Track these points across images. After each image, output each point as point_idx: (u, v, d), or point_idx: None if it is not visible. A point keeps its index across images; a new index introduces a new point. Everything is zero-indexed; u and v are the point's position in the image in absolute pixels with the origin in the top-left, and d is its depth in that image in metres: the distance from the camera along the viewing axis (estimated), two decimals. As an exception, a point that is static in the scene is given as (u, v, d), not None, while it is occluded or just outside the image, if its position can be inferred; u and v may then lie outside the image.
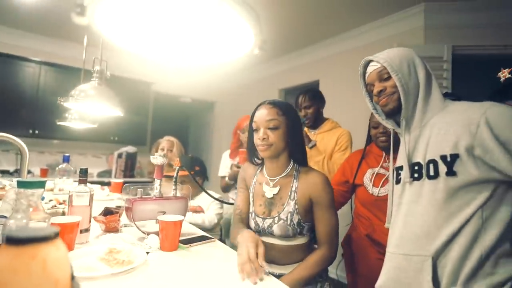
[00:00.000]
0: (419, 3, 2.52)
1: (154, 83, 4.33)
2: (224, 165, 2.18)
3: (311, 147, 1.72)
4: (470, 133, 0.75)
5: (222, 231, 1.89)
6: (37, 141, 3.60)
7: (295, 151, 1.11)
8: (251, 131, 1.12)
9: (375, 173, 1.46)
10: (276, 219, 1.07)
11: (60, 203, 1.47)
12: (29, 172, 3.32)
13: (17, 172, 3.24)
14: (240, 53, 0.68)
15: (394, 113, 0.92)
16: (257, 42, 0.53)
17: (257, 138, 1.06)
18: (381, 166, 1.46)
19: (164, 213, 1.14)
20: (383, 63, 0.87)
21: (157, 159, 1.16)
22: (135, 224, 1.10)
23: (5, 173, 3.13)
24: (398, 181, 0.92)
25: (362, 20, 2.91)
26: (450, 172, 0.77)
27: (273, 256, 1.09)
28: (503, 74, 1.25)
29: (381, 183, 1.43)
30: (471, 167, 0.75)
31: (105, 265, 0.82)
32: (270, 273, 1.03)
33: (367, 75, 0.95)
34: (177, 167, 1.22)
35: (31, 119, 3.38)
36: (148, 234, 1.08)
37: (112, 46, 0.96)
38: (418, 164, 0.85)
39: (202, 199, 1.76)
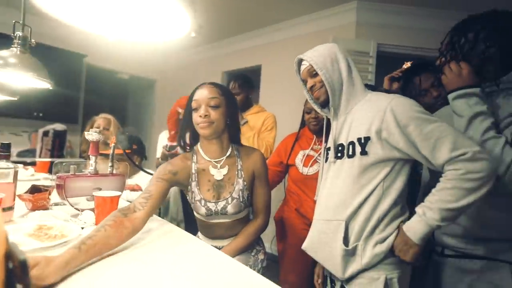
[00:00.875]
0: (352, 1, 2.75)
1: (87, 55, 3.97)
2: (160, 146, 2.22)
3: (243, 124, 1.91)
4: (379, 119, 0.90)
5: (160, 210, 1.90)
6: None
7: (234, 132, 1.18)
8: (189, 111, 1.11)
9: (306, 154, 1.63)
10: (230, 199, 1.11)
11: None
12: None
13: None
14: (176, 34, 0.71)
15: (326, 104, 1.05)
16: (193, 26, 0.57)
17: (198, 116, 1.06)
18: (311, 148, 1.64)
19: (100, 189, 1.12)
20: (310, 61, 1.01)
21: (92, 135, 1.13)
22: (68, 201, 1.07)
23: None
24: (326, 160, 1.08)
25: (301, 11, 3.05)
26: (363, 152, 0.93)
27: (220, 233, 1.16)
28: (406, 66, 1.47)
29: (310, 164, 1.61)
30: (378, 148, 0.91)
31: (35, 240, 0.81)
32: (218, 247, 1.11)
33: (301, 72, 1.09)
34: (113, 144, 1.20)
35: None
36: (82, 211, 1.06)
37: (36, 9, 0.89)
38: (341, 145, 1.00)
39: (140, 178, 1.74)
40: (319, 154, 1.60)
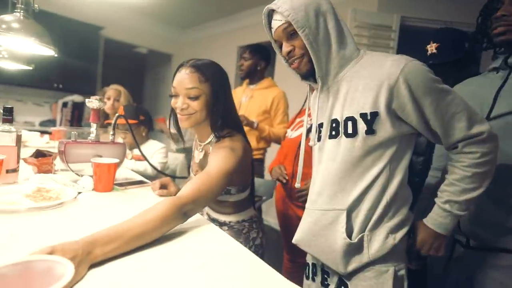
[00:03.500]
0: (376, -31, 2.55)
1: (105, 27, 3.98)
2: None
3: (256, 128, 1.85)
4: (388, 89, 0.74)
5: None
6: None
7: (216, 122, 1.01)
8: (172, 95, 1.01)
9: (299, 120, 1.57)
10: None
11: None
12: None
13: None
14: None
15: (309, 75, 0.85)
16: None
17: (177, 107, 0.97)
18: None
19: (101, 156, 1.14)
20: (288, 18, 0.76)
21: (92, 102, 1.14)
22: (69, 167, 1.10)
23: None
24: (318, 138, 0.90)
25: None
26: (370, 131, 0.76)
27: (209, 205, 1.18)
28: (431, 48, 1.30)
29: (295, 127, 1.54)
30: (388, 124, 0.76)
31: (31, 200, 0.83)
32: (213, 218, 1.17)
33: (273, 30, 0.84)
34: (117, 114, 1.20)
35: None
36: (82, 176, 1.09)
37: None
38: (335, 121, 0.82)
39: (146, 148, 1.77)
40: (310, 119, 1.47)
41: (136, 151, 1.73)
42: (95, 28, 3.88)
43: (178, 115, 0.99)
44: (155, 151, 1.76)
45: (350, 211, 0.81)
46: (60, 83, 3.63)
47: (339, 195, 0.82)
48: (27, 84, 3.42)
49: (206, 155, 1.08)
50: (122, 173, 1.42)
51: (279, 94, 1.97)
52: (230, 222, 1.18)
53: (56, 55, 1.30)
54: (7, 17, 1.12)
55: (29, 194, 0.87)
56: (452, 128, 0.74)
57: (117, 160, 1.07)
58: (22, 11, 1.16)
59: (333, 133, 0.83)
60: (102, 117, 2.13)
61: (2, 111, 1.01)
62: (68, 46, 3.41)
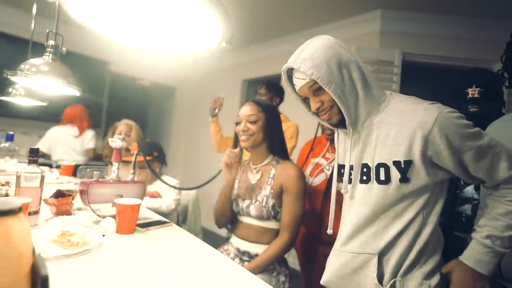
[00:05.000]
0: (376, 9, 2.70)
1: (111, 62, 4.09)
2: None
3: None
4: (422, 138, 0.74)
5: (179, 217, 1.90)
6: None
7: (274, 143, 1.27)
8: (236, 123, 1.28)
9: (315, 163, 1.53)
10: (254, 200, 1.22)
11: (3, 185, 1.37)
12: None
13: None
14: (207, 44, 0.70)
15: (340, 123, 0.87)
16: (224, 36, 0.56)
17: (239, 130, 1.24)
18: (322, 156, 1.52)
19: (122, 196, 1.13)
20: (311, 75, 0.77)
21: (115, 142, 1.14)
22: (90, 207, 1.08)
23: None
24: (350, 181, 0.89)
25: (323, 19, 3.02)
26: (404, 179, 0.76)
27: (247, 234, 1.24)
28: (472, 92, 1.20)
29: (315, 173, 1.50)
30: (423, 172, 0.76)
31: (58, 247, 0.81)
32: (244, 251, 1.22)
33: (296, 87, 0.86)
34: (135, 152, 1.20)
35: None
36: (104, 217, 1.06)
37: (65, 18, 0.92)
38: (366, 166, 0.83)
39: (160, 185, 1.75)
40: (329, 163, 1.48)
41: (150, 188, 1.71)
42: (103, 63, 3.98)
43: (240, 137, 1.24)
44: (169, 187, 1.74)
45: (382, 256, 0.81)
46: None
47: (370, 239, 0.83)
48: (34, 117, 3.44)
49: (263, 176, 1.26)
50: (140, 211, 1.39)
51: (291, 125, 2.02)
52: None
53: (78, 95, 1.33)
54: (36, 61, 1.16)
55: (55, 239, 0.85)
56: (494, 170, 0.75)
57: (140, 201, 1.05)
58: (50, 54, 1.19)
59: (364, 178, 0.83)
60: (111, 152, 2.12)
61: (28, 152, 1.01)
62: (77, 81, 3.48)
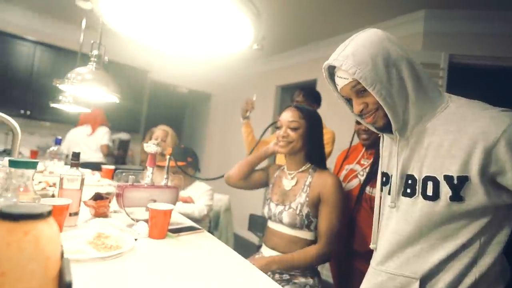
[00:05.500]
0: (419, 9, 2.55)
1: (151, 71, 4.29)
2: None
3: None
4: (485, 151, 0.63)
5: (211, 223, 1.90)
6: (28, 122, 3.54)
7: (312, 152, 1.24)
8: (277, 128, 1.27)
9: (349, 169, 1.46)
10: (287, 207, 1.19)
11: (50, 186, 1.47)
12: (19, 153, 3.27)
13: (5, 152, 3.19)
14: (239, 47, 0.69)
15: (386, 128, 0.77)
16: (256, 38, 0.54)
17: (279, 135, 1.22)
18: (357, 162, 1.45)
19: (155, 201, 1.14)
20: (354, 75, 0.69)
21: (150, 147, 1.17)
22: (125, 211, 1.10)
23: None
24: (389, 192, 0.81)
25: (362, 22, 2.92)
26: (456, 197, 0.66)
27: (277, 243, 1.20)
28: None
29: (348, 179, 1.42)
30: (481, 192, 0.65)
31: (93, 249, 0.83)
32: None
33: (338, 87, 0.78)
34: (169, 157, 1.22)
35: (23, 100, 3.32)
36: (137, 221, 1.08)
37: (110, 30, 0.96)
38: (412, 178, 0.74)
39: (193, 190, 1.77)
40: (364, 168, 1.39)
41: (183, 193, 1.73)
42: (143, 72, 4.19)
43: (279, 143, 1.22)
44: (202, 192, 1.75)
45: (424, 281, 0.71)
46: (109, 121, 3.87)
47: (412, 261, 0.74)
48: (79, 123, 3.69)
49: (299, 183, 1.23)
50: (172, 216, 1.41)
51: (327, 131, 1.94)
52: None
53: (118, 101, 1.38)
54: (81, 69, 1.23)
55: (91, 241, 0.87)
56: None
57: (172, 206, 1.06)
58: (94, 63, 1.26)
59: (408, 190, 0.74)
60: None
61: (71, 156, 1.06)
62: (119, 89, 3.69)
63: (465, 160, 0.65)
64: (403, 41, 2.72)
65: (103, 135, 3.25)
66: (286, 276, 1.16)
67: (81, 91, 1.29)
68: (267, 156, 1.34)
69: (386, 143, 0.86)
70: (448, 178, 0.67)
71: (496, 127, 0.63)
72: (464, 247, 0.69)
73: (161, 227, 1.03)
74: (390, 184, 0.80)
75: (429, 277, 0.71)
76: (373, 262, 0.84)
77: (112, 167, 2.17)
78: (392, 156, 0.81)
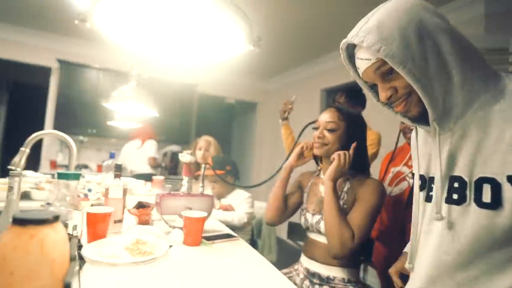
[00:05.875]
0: (476, -9, 2.28)
1: (198, 84, 4.52)
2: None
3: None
4: None
5: (253, 231, 1.90)
6: (95, 139, 3.99)
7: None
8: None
9: (395, 171, 1.34)
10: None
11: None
12: (86, 167, 3.68)
13: (77, 167, 3.63)
14: (235, 51, 0.69)
15: (422, 117, 0.63)
16: (250, 40, 0.53)
17: (315, 135, 1.16)
18: (404, 164, 1.34)
19: (191, 209, 1.18)
20: (378, 53, 0.55)
21: (185, 157, 1.21)
22: (163, 218, 1.15)
23: (66, 167, 3.52)
24: (428, 198, 0.67)
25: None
26: None
27: (316, 254, 1.14)
28: None
29: (395, 182, 1.31)
30: None
31: (128, 254, 0.88)
32: (314, 273, 1.13)
33: (359, 70, 0.64)
34: (203, 165, 1.25)
35: (90, 120, 3.75)
36: (174, 228, 1.12)
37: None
38: (460, 180, 0.59)
39: (233, 198, 1.79)
40: (412, 171, 1.26)
41: (223, 201, 1.76)
42: (191, 86, 4.43)
43: (314, 143, 1.16)
44: (242, 200, 1.76)
45: None
46: (162, 135, 4.16)
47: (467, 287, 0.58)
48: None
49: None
50: (211, 224, 1.43)
51: (373, 132, 1.82)
52: (334, 278, 1.06)
53: (157, 115, 1.47)
54: (124, 88, 1.34)
55: (128, 246, 0.93)
56: None
57: (205, 214, 1.07)
58: (135, 81, 1.36)
59: (455, 196, 0.59)
60: (195, 168, 2.29)
61: (114, 167, 1.15)
62: (168, 103, 3.99)
63: None
64: (461, 26, 2.45)
65: (149, 148, 3.52)
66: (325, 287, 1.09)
67: (124, 108, 1.41)
68: (289, 173, 1.25)
69: (421, 139, 0.73)
70: None
71: None
72: None
73: (195, 234, 1.05)
74: (428, 189, 0.67)
75: None
76: (410, 285, 0.69)
77: (162, 177, 2.31)
78: (431, 154, 0.68)
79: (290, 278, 1.20)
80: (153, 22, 0.62)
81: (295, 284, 1.16)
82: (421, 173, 0.71)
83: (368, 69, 0.61)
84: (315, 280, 1.12)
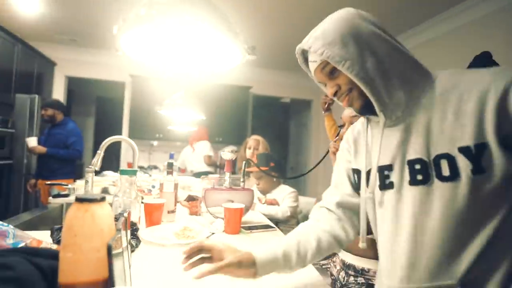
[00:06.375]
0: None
1: (253, 86, 4.70)
2: None
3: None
4: (495, 108, 0.55)
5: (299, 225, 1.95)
6: (163, 143, 4.49)
7: None
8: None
9: None
10: None
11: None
12: (156, 167, 4.15)
13: (148, 167, 4.12)
14: (235, 62, 0.78)
15: (367, 108, 0.68)
16: (244, 51, 0.60)
17: (342, 133, 1.15)
18: None
19: (232, 201, 1.30)
20: (322, 56, 0.64)
21: (226, 154, 1.34)
22: (208, 210, 1.30)
23: (141, 168, 4.03)
24: (386, 186, 0.68)
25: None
26: (478, 169, 0.56)
27: (351, 246, 1.09)
28: None
29: None
30: (503, 159, 0.56)
31: (175, 237, 1.03)
32: (349, 265, 1.12)
33: (311, 71, 0.74)
34: (244, 162, 1.36)
35: (156, 126, 4.20)
36: (217, 218, 1.26)
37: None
38: (420, 161, 0.62)
39: (278, 193, 1.87)
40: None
41: (269, 196, 1.86)
42: (245, 88, 4.64)
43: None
44: (286, 195, 1.84)
45: (466, 285, 0.59)
46: (220, 136, 4.44)
47: (445, 264, 0.60)
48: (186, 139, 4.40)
49: None
50: (256, 217, 1.54)
51: None
52: (369, 270, 1.07)
53: (204, 118, 1.64)
54: (175, 95, 1.53)
55: (176, 232, 1.09)
56: None
57: (243, 205, 1.18)
58: (184, 90, 1.55)
59: (419, 177, 0.62)
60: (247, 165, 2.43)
61: (166, 165, 1.34)
62: (224, 106, 4.25)
63: (477, 124, 0.57)
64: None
65: (203, 147, 3.86)
66: (360, 279, 1.10)
67: (174, 114, 1.60)
68: None
69: (373, 130, 0.75)
70: (464, 150, 0.58)
71: (501, 80, 0.56)
72: (500, 231, 0.58)
73: (234, 224, 1.17)
74: (383, 177, 0.69)
75: (468, 279, 0.59)
76: (394, 281, 0.67)
77: (217, 175, 2.51)
78: (380, 144, 0.70)
79: (327, 269, 1.23)
80: (164, 43, 0.76)
81: (332, 275, 1.20)
82: (380, 164, 0.70)
83: (316, 70, 0.71)
84: (350, 272, 1.13)
